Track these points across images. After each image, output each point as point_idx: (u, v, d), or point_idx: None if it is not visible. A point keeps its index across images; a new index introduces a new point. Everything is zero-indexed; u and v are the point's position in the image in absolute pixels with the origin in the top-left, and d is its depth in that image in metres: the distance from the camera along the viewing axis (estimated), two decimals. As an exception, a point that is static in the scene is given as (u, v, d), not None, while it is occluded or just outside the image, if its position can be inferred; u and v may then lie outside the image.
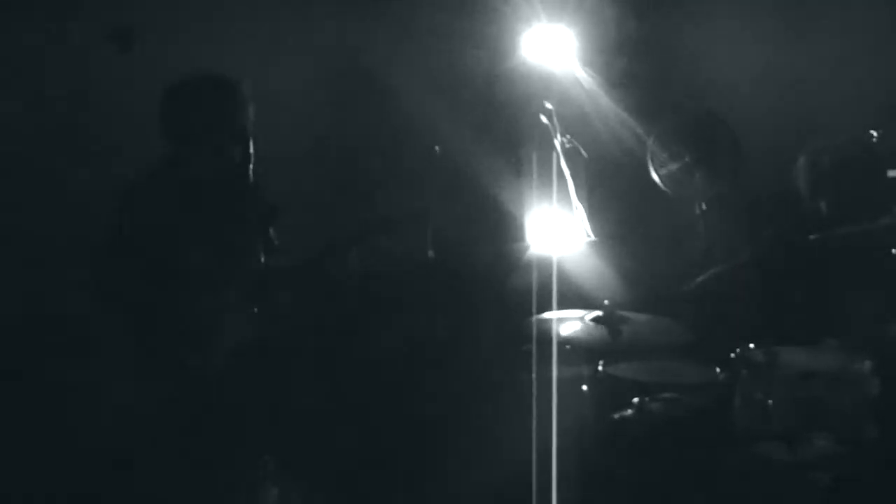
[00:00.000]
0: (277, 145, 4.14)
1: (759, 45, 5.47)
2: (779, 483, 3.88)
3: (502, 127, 5.28)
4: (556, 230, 4.86)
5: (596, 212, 4.96)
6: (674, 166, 5.04)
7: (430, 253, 4.69)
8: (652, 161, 5.07)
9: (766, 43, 5.46)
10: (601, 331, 4.23)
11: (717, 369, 4.20)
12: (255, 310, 3.92)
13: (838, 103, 5.26)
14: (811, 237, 4.25)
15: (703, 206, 4.93)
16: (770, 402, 3.92)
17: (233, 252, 3.88)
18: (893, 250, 4.06)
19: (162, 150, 3.90)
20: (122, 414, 3.92)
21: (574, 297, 4.53)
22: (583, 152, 5.04)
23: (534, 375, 4.16)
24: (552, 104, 5.00)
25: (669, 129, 5.11)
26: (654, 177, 5.06)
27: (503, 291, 4.83)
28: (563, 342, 4.31)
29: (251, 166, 3.85)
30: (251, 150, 3.85)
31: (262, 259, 3.98)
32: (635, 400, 4.23)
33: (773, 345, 4.01)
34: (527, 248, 4.93)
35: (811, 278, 4.41)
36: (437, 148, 4.86)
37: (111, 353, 3.95)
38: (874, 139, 4.59)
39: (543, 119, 4.96)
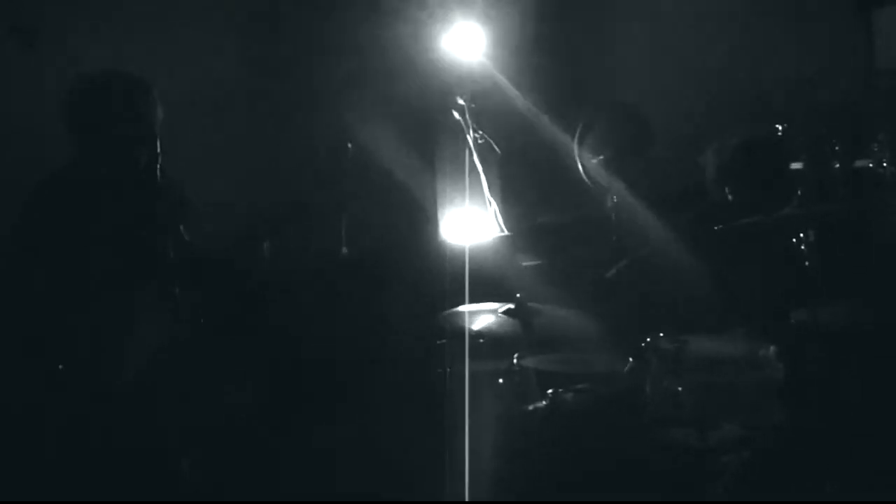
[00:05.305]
0: (190, 141, 4.10)
1: (673, 41, 5.55)
2: (690, 468, 3.96)
3: (415, 123, 5.29)
4: (470, 225, 4.89)
5: (509, 206, 5.00)
6: (597, 159, 5.10)
7: (344, 249, 4.70)
8: (578, 154, 5.13)
9: (679, 39, 5.55)
10: (514, 323, 4.27)
11: (629, 359, 4.25)
12: (166, 309, 3.88)
13: (748, 97, 5.37)
14: (716, 227, 4.32)
15: (615, 199, 4.99)
16: (680, 389, 3.98)
17: (141, 252, 3.84)
18: (794, 239, 4.14)
19: (67, 151, 3.86)
20: (35, 422, 3.84)
21: (487, 291, 4.56)
22: (495, 148, 5.09)
23: (448, 369, 4.18)
24: (465, 100, 5.03)
25: (591, 123, 5.17)
26: (580, 170, 5.12)
27: (416, 286, 4.85)
28: (477, 336, 4.36)
29: (159, 165, 3.81)
30: (158, 150, 3.81)
31: (173, 257, 3.94)
32: (549, 392, 4.27)
33: (681, 334, 4.08)
34: (440, 242, 4.95)
35: (718, 268, 4.49)
36: (349, 144, 4.86)
37: (20, 358, 3.86)
38: (779, 133, 4.69)
39: (456, 115, 5.00)
